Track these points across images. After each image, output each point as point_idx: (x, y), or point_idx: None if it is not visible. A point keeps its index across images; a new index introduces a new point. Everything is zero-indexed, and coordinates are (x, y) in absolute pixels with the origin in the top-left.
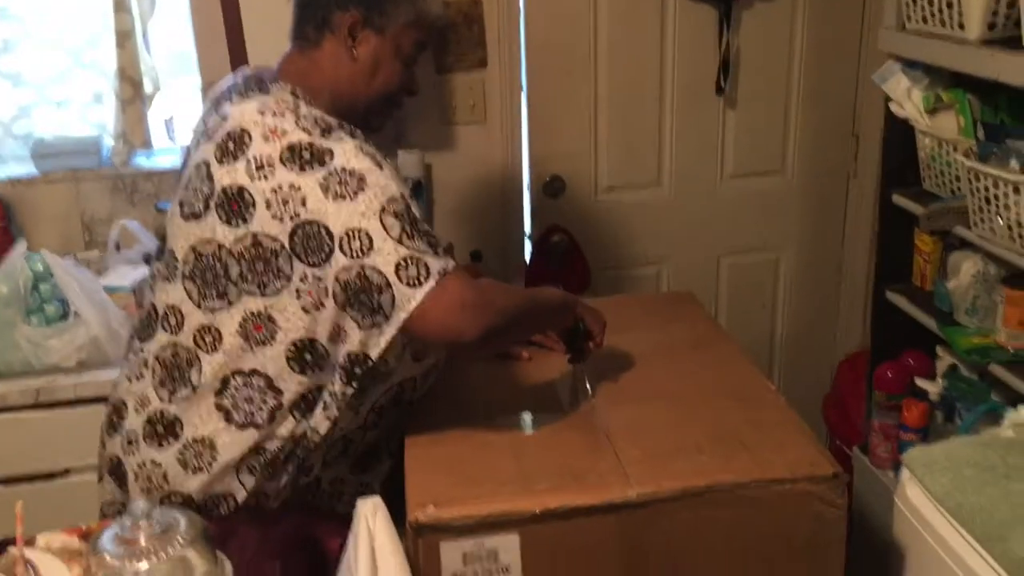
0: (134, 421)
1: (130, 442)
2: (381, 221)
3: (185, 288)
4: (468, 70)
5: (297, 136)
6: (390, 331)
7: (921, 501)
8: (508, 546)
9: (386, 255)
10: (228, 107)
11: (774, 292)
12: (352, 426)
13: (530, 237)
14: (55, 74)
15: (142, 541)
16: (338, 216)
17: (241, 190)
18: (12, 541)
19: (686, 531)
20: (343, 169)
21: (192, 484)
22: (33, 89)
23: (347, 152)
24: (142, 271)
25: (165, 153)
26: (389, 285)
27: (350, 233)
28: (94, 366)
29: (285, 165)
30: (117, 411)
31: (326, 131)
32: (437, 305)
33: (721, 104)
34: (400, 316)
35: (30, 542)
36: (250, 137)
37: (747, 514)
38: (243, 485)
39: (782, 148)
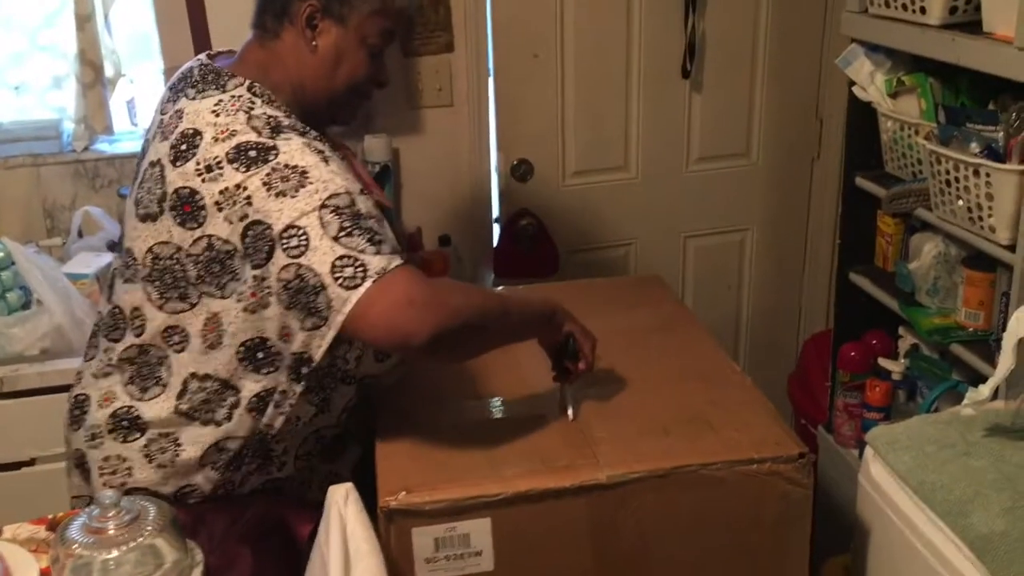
0: (97, 415)
1: (94, 436)
2: (320, 218)
3: (145, 291)
4: (435, 53)
5: (245, 136)
6: (330, 334)
7: (884, 478)
8: (480, 530)
9: (321, 254)
10: (184, 102)
11: (740, 273)
12: (325, 424)
13: (498, 221)
14: (11, 57)
15: (111, 530)
16: (280, 214)
17: (192, 192)
18: None
19: (655, 512)
20: (286, 165)
21: (157, 477)
22: None
23: (292, 149)
24: (106, 258)
25: (127, 138)
26: (324, 287)
27: (289, 230)
28: (58, 354)
29: (232, 164)
30: (79, 405)
31: (275, 129)
32: (377, 305)
33: (687, 88)
34: (337, 319)
35: None
36: (201, 138)
37: (714, 494)
38: (208, 479)
39: (747, 131)
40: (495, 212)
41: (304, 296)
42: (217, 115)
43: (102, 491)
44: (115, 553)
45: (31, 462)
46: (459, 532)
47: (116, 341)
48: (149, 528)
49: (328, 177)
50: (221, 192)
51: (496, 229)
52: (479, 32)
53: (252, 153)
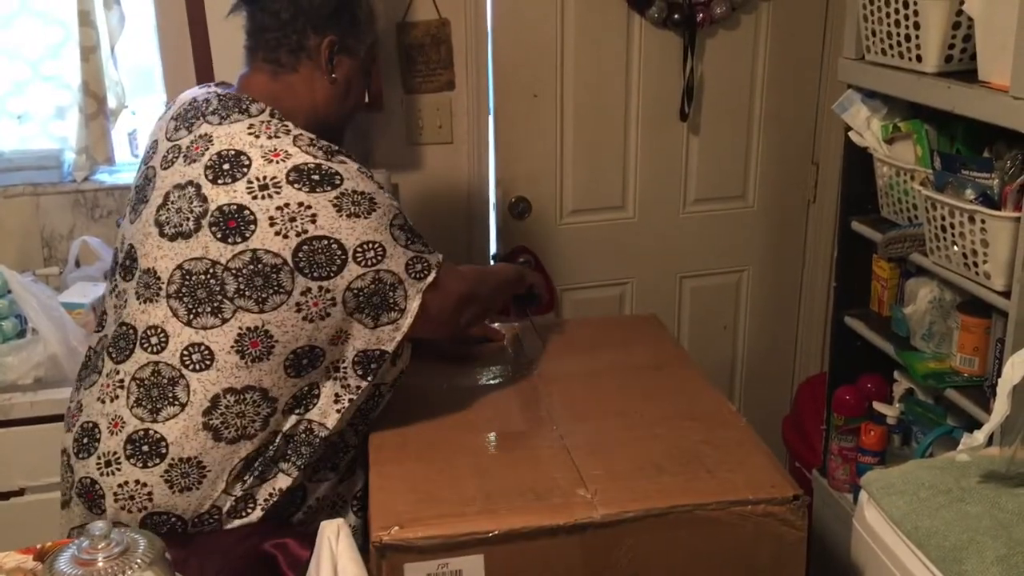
0: (111, 442)
1: (108, 463)
2: (391, 234)
3: (170, 307)
4: (436, 91)
5: (302, 157)
6: (407, 322)
7: (879, 523)
8: (472, 567)
9: (396, 259)
10: (207, 127)
11: (735, 314)
12: (351, 442)
13: (495, 257)
14: (14, 86)
15: (99, 562)
16: (352, 232)
17: (241, 208)
18: None
19: (649, 551)
20: (354, 191)
21: (180, 502)
22: None
23: (353, 176)
24: (102, 288)
25: (127, 169)
26: (401, 281)
27: (365, 246)
28: (52, 384)
29: (293, 185)
30: (89, 433)
31: (328, 152)
32: (436, 296)
33: (685, 130)
34: (414, 305)
35: None
36: (249, 159)
37: (708, 534)
38: (231, 495)
39: (744, 174)
40: (492, 248)
41: (379, 296)
42: (256, 136)
43: (115, 516)
44: None
45: (21, 492)
46: (452, 568)
47: (122, 362)
48: (139, 561)
49: (389, 202)
50: (278, 208)
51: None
52: (480, 71)
53: (315, 177)
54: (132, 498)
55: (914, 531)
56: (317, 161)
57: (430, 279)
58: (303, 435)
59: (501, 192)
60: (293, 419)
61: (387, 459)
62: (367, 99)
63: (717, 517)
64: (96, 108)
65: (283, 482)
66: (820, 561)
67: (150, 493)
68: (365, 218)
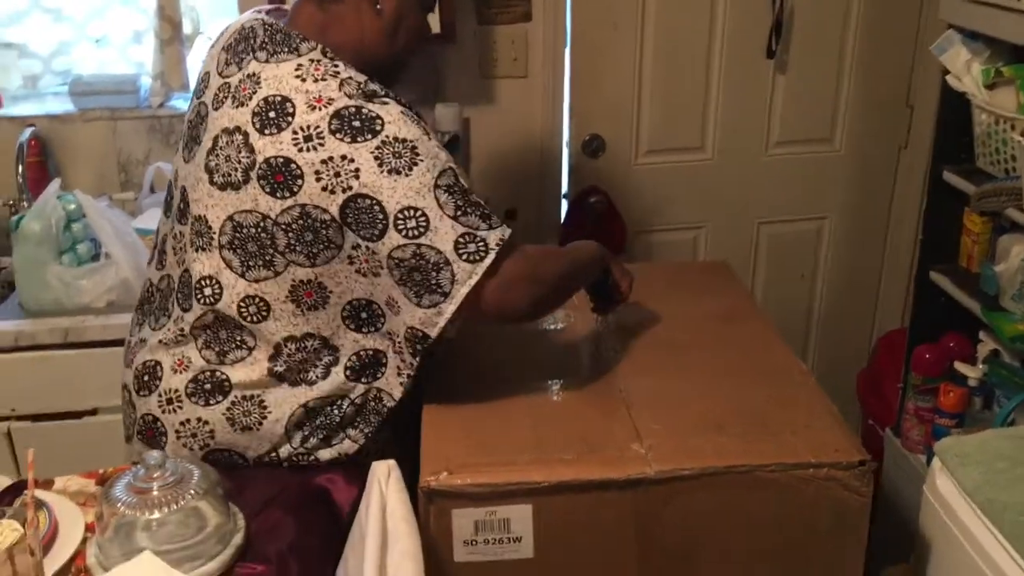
0: (173, 380)
1: (170, 401)
2: (436, 198)
3: (223, 258)
4: (512, 23)
5: (343, 102)
6: (451, 307)
7: (951, 493)
8: (521, 516)
9: (443, 234)
10: (255, 64)
11: (815, 263)
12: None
13: (567, 196)
14: (94, 10)
15: (155, 491)
16: (393, 192)
17: (287, 161)
18: (26, 484)
19: (703, 511)
20: (395, 139)
21: (241, 440)
22: (73, 25)
23: (395, 119)
24: None
25: None
26: (448, 263)
27: (405, 212)
28: (124, 307)
29: (336, 135)
30: (150, 371)
31: (368, 95)
32: (493, 281)
33: (771, 68)
34: (461, 291)
35: (47, 484)
36: (293, 106)
37: (767, 497)
38: (291, 444)
39: (832, 116)
40: (564, 187)
41: (420, 274)
42: (303, 80)
43: (177, 453)
44: (157, 514)
45: (94, 411)
46: (500, 517)
47: (187, 310)
48: (192, 491)
49: (435, 152)
50: (323, 162)
51: (564, 205)
52: (558, 1)
53: (356, 123)
54: (194, 435)
55: (988, 504)
56: (358, 103)
57: (486, 263)
58: (372, 403)
59: (575, 129)
60: (362, 387)
61: (441, 401)
62: (438, 30)
63: (776, 479)
64: (171, 33)
65: (349, 447)
66: (888, 522)
67: (212, 431)
68: (406, 175)
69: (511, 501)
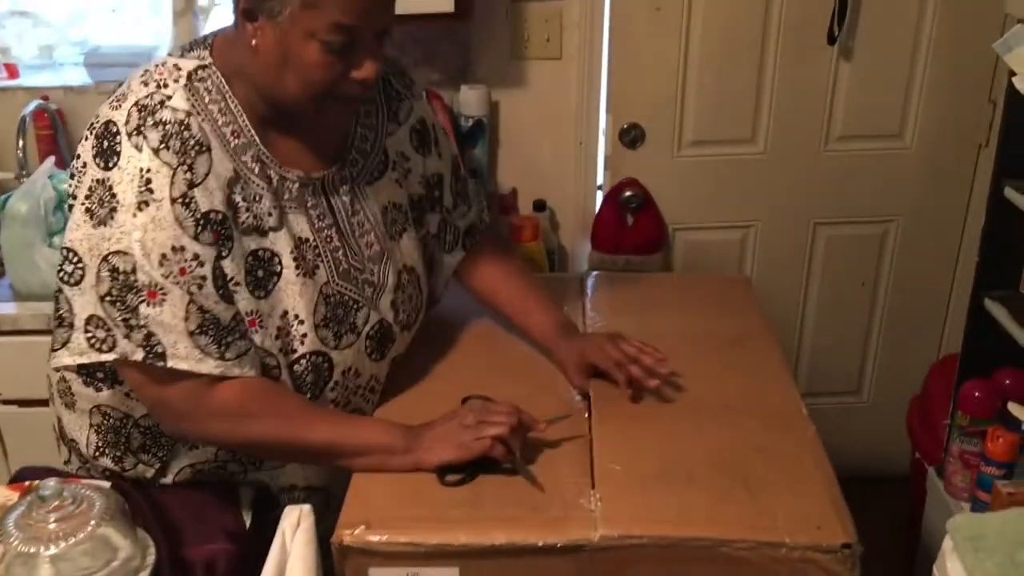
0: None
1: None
2: (98, 271)
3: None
4: (545, 0)
5: (122, 114)
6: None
7: None
8: None
9: (82, 304)
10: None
11: (877, 270)
12: None
13: (601, 188)
14: None
15: (51, 524)
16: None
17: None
18: None
19: None
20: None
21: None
22: None
23: (130, 157)
24: None
25: None
26: (73, 328)
27: (69, 254)
28: None
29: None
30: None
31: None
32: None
33: (833, 54)
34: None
35: None
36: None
37: (730, 574)
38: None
39: (903, 109)
40: (599, 179)
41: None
42: (145, 84)
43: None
44: (54, 549)
45: None
46: None
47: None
48: (95, 519)
49: (130, 228)
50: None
51: (598, 197)
52: None
53: (105, 144)
54: None
55: None
56: (132, 122)
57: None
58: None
59: (612, 116)
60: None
61: None
62: (451, 8)
63: (743, 558)
64: (184, 4)
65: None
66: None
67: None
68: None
69: (435, 563)
